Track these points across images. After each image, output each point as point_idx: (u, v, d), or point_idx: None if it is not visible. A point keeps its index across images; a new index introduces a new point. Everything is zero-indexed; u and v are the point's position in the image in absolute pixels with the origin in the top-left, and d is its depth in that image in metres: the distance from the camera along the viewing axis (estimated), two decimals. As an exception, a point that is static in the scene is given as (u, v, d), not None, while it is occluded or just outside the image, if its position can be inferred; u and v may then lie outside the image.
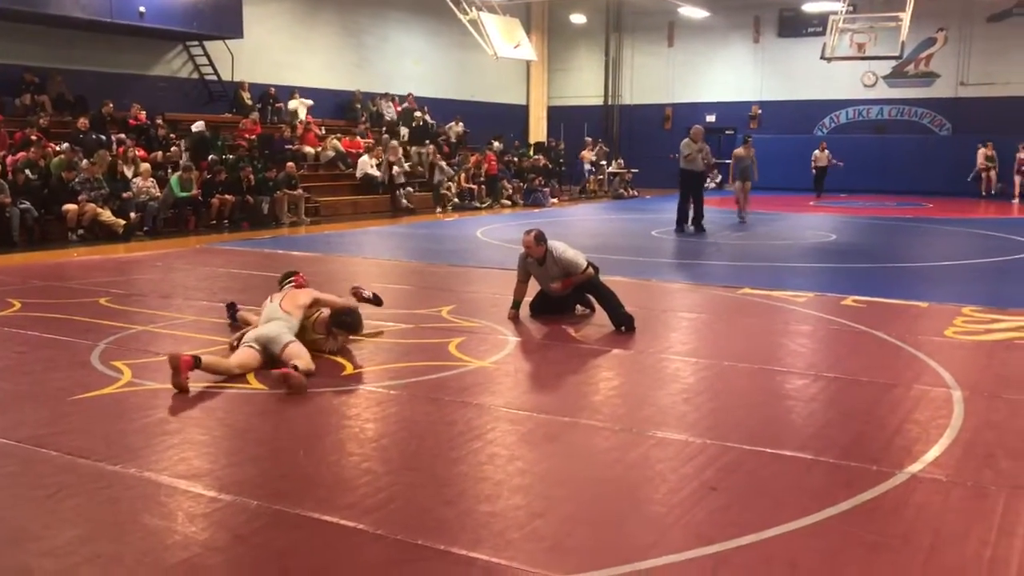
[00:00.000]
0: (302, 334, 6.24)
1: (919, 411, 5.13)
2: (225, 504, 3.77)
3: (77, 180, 13.81)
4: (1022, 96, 25.24)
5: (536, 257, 7.61)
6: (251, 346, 5.97)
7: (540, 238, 7.59)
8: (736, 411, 5.20)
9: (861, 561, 3.28)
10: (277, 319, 6.18)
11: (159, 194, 15.06)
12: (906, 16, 20.64)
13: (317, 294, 6.64)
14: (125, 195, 14.37)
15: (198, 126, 17.44)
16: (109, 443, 4.51)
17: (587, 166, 26.97)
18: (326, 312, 6.48)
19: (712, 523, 3.60)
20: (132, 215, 14.21)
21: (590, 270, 7.57)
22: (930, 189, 24.58)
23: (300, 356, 5.83)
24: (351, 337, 6.63)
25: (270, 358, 5.93)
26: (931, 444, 4.53)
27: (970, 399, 5.33)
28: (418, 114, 23.92)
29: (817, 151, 24.88)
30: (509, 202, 22.61)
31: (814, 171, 24.81)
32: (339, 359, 6.25)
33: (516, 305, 7.80)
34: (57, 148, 14.65)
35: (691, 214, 15.77)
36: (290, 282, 6.87)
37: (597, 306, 7.76)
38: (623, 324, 7.27)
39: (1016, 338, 7.06)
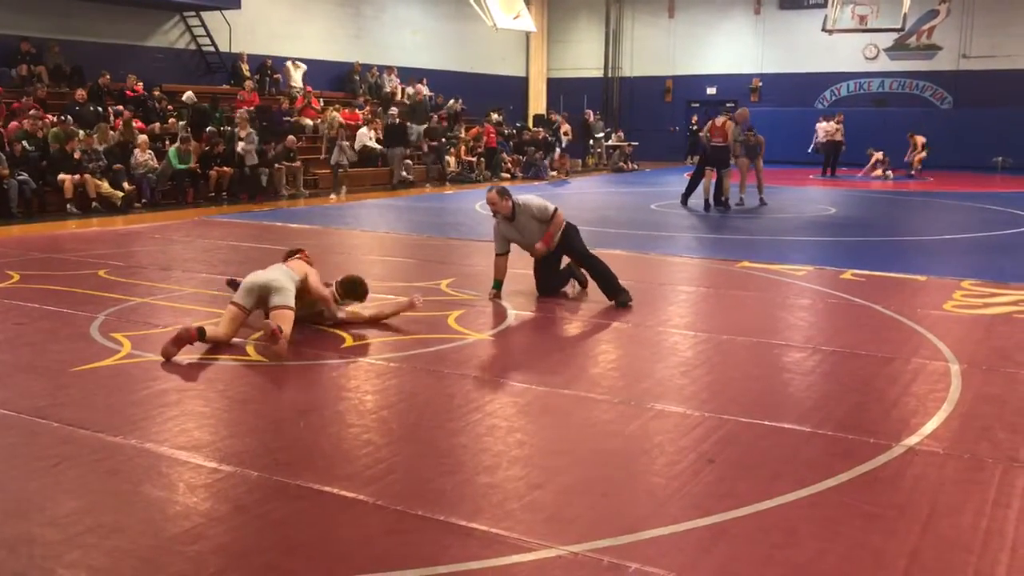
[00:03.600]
0: (300, 306, 6.17)
1: (917, 384, 5.15)
2: (226, 475, 3.79)
3: (84, 152, 13.75)
4: (1024, 69, 25.14)
5: (504, 214, 7.41)
6: (235, 303, 5.91)
7: (503, 192, 7.45)
8: (734, 384, 5.22)
9: (858, 531, 3.31)
10: (284, 271, 6.12)
11: (157, 166, 15.00)
12: (908, -12, 20.52)
13: (318, 282, 6.39)
14: (116, 167, 14.29)
15: (189, 97, 17.31)
16: (110, 414, 4.53)
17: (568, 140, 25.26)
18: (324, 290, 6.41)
19: (710, 494, 3.62)
20: (125, 185, 14.14)
21: (560, 215, 7.42)
22: (931, 163, 24.43)
23: (287, 321, 5.76)
24: (356, 313, 6.55)
25: (260, 306, 5.87)
26: (928, 417, 4.56)
27: (968, 372, 5.35)
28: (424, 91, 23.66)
29: (832, 123, 23.31)
30: (508, 175, 22.55)
31: (822, 144, 23.42)
32: (339, 332, 6.25)
33: (497, 285, 7.47)
34: (54, 119, 14.57)
35: (694, 192, 15.51)
36: (297, 256, 6.68)
37: (591, 281, 7.78)
38: (618, 297, 7.24)
39: (1015, 312, 7.07)
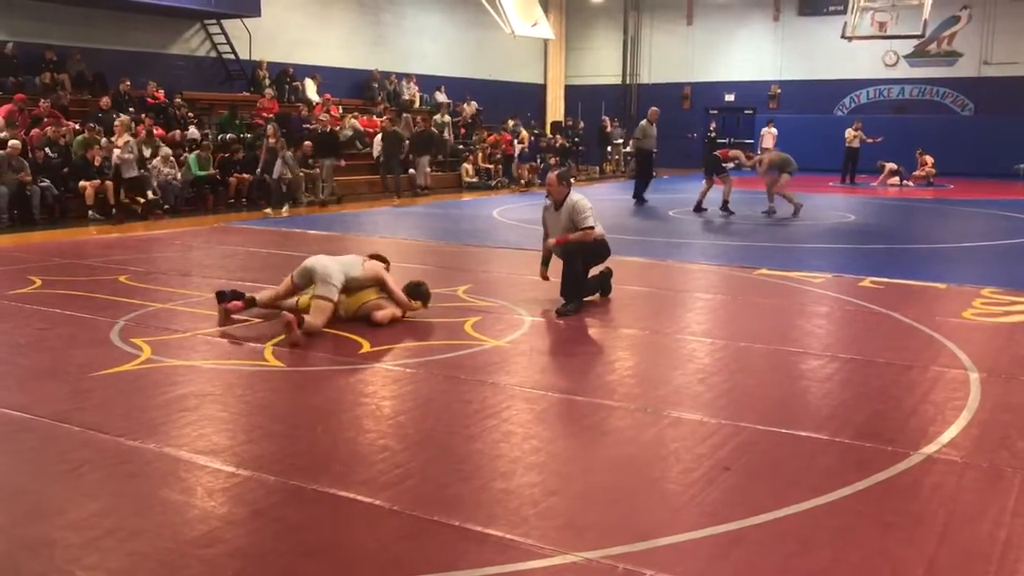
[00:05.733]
0: (349, 304, 6.64)
1: (935, 392, 5.12)
2: (243, 479, 3.82)
3: (112, 159, 13.87)
4: (1047, 76, 24.95)
5: (556, 199, 7.49)
6: (292, 276, 6.57)
7: (564, 177, 7.57)
8: (751, 391, 5.20)
9: (874, 540, 3.29)
10: (348, 264, 6.60)
11: (178, 173, 15.11)
12: (928, -5, 20.40)
13: (391, 280, 6.79)
14: (142, 171, 14.40)
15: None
16: (129, 419, 4.57)
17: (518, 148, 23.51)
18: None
19: (726, 502, 3.61)
20: (150, 194, 14.27)
21: (595, 232, 7.43)
22: (952, 170, 24.25)
23: (316, 314, 6.22)
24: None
25: (309, 287, 6.45)
26: (947, 425, 4.53)
27: (987, 381, 5.31)
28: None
29: (850, 130, 23.08)
30: (525, 182, 22.57)
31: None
32: (356, 337, 6.28)
33: (545, 262, 7.76)
34: (76, 126, 14.71)
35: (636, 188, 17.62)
36: (373, 258, 6.95)
37: (612, 291, 7.80)
38: (565, 306, 7.18)
39: (1035, 320, 7.01)
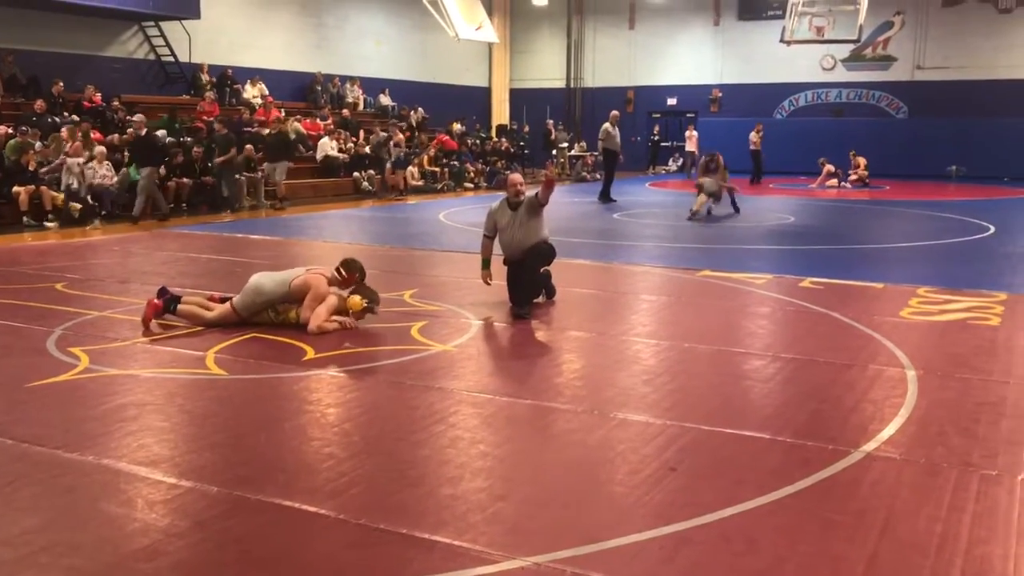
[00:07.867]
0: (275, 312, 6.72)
1: (874, 391, 5.23)
2: (185, 490, 3.75)
3: (45, 166, 13.48)
4: (977, 80, 25.66)
5: (512, 198, 7.60)
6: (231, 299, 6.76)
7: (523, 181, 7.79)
8: (696, 392, 5.26)
9: (817, 537, 3.35)
10: (281, 281, 6.69)
11: (115, 177, 14.76)
12: (864, 0, 20.87)
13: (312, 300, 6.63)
14: (77, 177, 14.06)
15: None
16: (67, 430, 4.46)
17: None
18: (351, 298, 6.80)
19: (672, 503, 3.64)
20: (88, 199, 13.94)
21: (544, 234, 7.70)
22: (887, 171, 24.79)
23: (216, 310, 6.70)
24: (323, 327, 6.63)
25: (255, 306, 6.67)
26: (886, 423, 4.62)
27: (924, 378, 5.43)
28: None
29: (753, 133, 23.50)
30: (472, 185, 22.56)
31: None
32: (301, 344, 6.21)
33: (486, 264, 7.73)
34: (9, 131, 14.31)
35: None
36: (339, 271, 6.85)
37: (556, 293, 7.84)
38: (520, 308, 7.26)
39: (969, 318, 7.20)
